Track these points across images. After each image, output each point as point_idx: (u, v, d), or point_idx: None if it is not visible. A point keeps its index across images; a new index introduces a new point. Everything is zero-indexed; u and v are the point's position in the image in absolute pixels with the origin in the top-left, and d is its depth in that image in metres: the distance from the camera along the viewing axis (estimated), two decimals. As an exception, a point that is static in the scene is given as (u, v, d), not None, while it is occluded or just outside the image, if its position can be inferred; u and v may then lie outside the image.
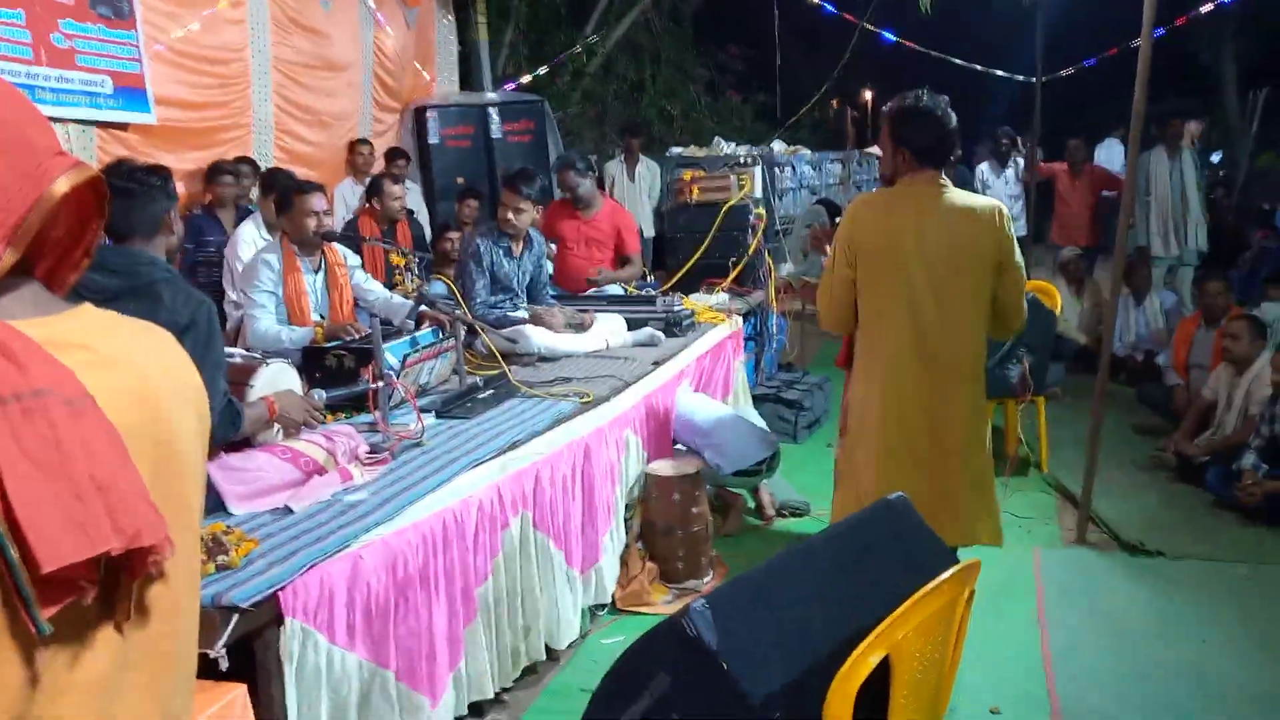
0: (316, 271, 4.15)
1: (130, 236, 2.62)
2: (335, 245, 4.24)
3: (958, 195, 3.10)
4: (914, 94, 3.09)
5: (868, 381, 3.17)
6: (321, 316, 4.11)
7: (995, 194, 8.80)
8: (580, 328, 4.75)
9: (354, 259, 4.41)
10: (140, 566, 0.85)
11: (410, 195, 7.46)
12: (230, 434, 2.75)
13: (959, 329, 3.08)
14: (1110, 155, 12.71)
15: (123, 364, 0.90)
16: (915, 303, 3.04)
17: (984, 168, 9.58)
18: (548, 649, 3.48)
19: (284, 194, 4.12)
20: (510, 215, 4.71)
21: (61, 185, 0.88)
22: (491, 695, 3.06)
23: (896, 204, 3.08)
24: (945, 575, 1.84)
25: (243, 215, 5.75)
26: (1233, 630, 3.64)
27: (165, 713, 0.95)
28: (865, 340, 3.18)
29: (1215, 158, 14.68)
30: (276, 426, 3.07)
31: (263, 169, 6.20)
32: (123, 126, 5.46)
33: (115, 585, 0.85)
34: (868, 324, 3.14)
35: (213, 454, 2.87)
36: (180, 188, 5.89)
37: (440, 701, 2.75)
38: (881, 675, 1.75)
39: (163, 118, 5.75)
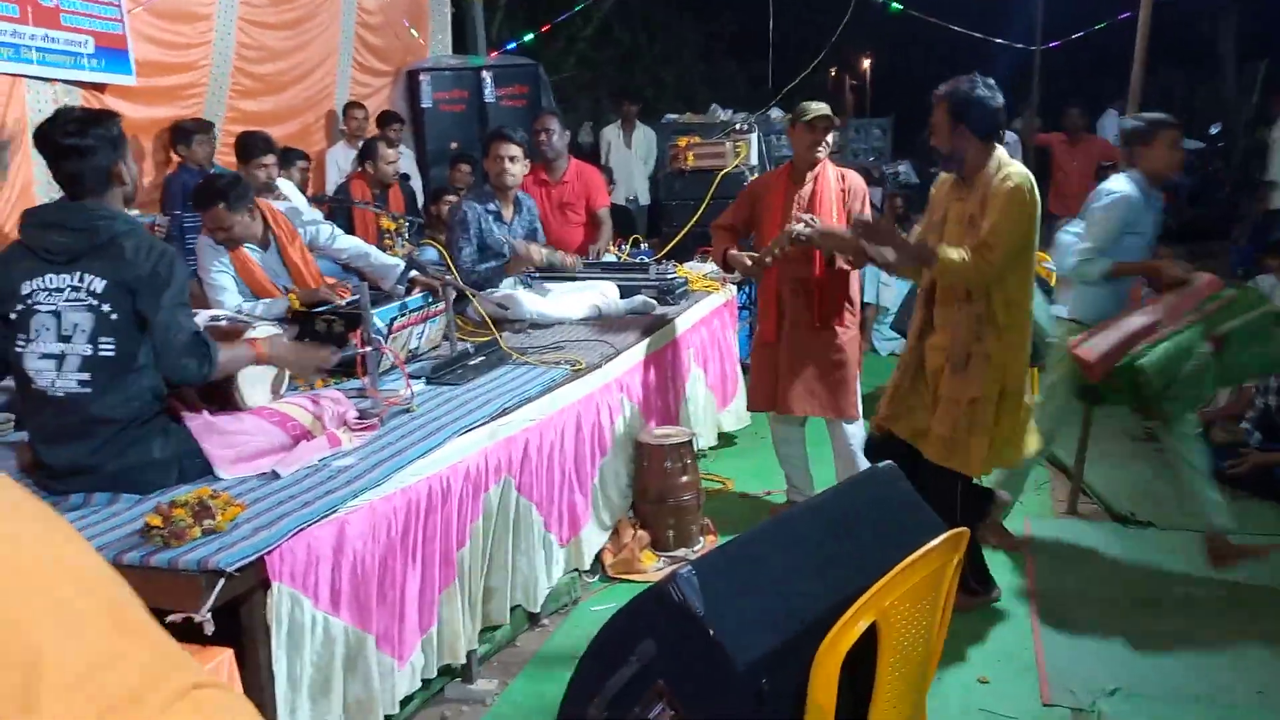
0: (266, 249, 4.04)
1: (81, 195, 2.55)
2: (276, 210, 4.12)
3: None
4: (969, 79, 3.23)
5: (1020, 345, 3.32)
6: (287, 289, 4.02)
7: None
8: (560, 267, 4.71)
9: (307, 214, 4.26)
10: None
11: (404, 159, 7.38)
12: (203, 369, 2.63)
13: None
14: (1109, 126, 12.64)
15: None
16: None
17: None
18: (529, 614, 3.49)
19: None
20: (507, 164, 4.64)
21: None
22: (464, 659, 3.05)
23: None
24: (933, 543, 1.83)
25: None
26: (1220, 601, 3.66)
27: None
28: (1019, 305, 3.27)
29: (1213, 130, 14.58)
30: (286, 377, 3.10)
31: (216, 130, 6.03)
32: (101, 87, 5.36)
33: None
34: (1021, 291, 3.26)
35: (187, 397, 2.83)
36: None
37: (407, 662, 2.74)
38: (868, 642, 1.74)
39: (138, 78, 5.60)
